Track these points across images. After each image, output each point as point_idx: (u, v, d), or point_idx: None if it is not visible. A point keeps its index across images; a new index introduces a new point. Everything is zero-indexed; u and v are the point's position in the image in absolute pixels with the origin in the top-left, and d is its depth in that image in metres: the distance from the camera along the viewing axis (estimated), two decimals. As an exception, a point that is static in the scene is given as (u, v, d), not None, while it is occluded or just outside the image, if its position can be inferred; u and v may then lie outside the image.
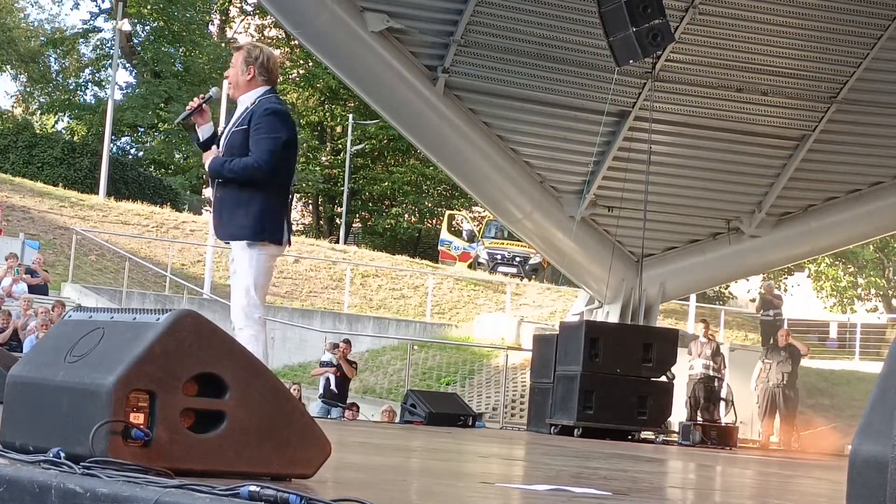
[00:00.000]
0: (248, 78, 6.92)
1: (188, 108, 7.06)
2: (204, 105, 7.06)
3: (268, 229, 6.81)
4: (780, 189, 19.15)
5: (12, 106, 55.96)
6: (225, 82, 7.49)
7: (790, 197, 19.37)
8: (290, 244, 7.07)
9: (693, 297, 28.99)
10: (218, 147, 6.99)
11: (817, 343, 28.58)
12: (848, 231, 20.01)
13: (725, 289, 40.79)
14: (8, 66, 51.49)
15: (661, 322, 21.41)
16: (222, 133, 7.07)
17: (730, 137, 18.69)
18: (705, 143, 18.73)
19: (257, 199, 6.79)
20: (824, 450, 17.51)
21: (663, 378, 16.22)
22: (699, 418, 17.82)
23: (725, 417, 18.88)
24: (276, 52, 7.23)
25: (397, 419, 18.07)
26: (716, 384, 18.68)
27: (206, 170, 6.96)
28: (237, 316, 6.84)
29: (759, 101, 18.44)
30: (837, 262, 38.92)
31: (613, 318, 18.94)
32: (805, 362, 20.58)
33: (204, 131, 7.04)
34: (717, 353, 18.81)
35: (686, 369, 18.35)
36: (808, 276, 40.23)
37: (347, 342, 20.60)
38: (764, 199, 19.24)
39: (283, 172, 6.89)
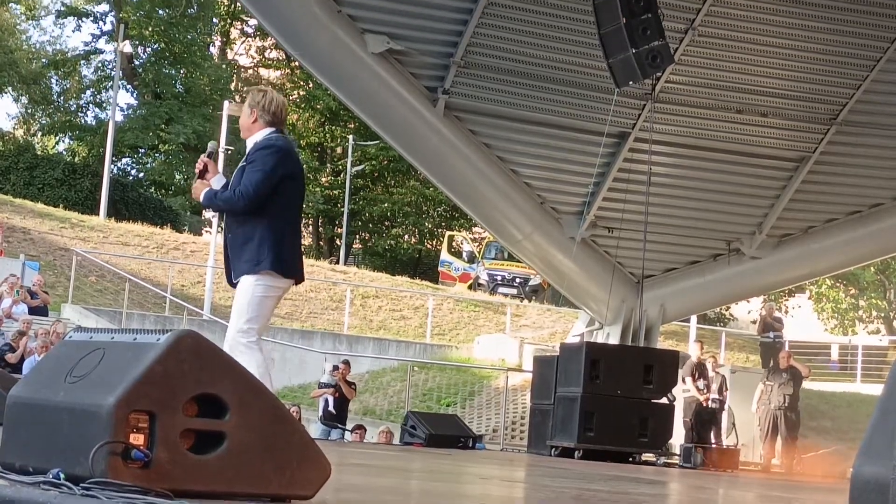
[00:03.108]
0: (251, 121, 7.24)
1: (196, 171, 7.36)
2: (207, 162, 7.35)
3: (266, 258, 6.94)
4: (780, 210, 19.15)
5: (14, 127, 56.04)
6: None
7: (790, 218, 19.36)
8: (300, 280, 7.18)
9: (694, 318, 28.95)
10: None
11: (818, 365, 28.52)
12: (848, 253, 19.99)
13: (726, 310, 40.76)
14: (9, 88, 51.56)
15: (662, 343, 21.38)
16: None
17: (730, 159, 18.70)
18: (705, 165, 18.74)
19: (258, 231, 6.99)
20: (826, 472, 17.47)
21: (664, 400, 16.18)
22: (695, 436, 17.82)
23: (727, 440, 18.86)
24: (282, 98, 7.41)
25: (395, 440, 18.03)
26: (710, 405, 18.70)
27: (199, 198, 7.23)
28: (229, 340, 6.92)
29: (758, 123, 18.45)
30: (838, 284, 38.92)
31: (614, 340, 18.91)
32: (806, 384, 20.56)
33: (215, 183, 7.27)
34: (703, 375, 18.83)
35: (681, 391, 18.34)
36: (809, 298, 40.21)
37: (346, 363, 20.57)
38: (764, 220, 19.24)
39: (283, 205, 7.09)
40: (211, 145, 7.71)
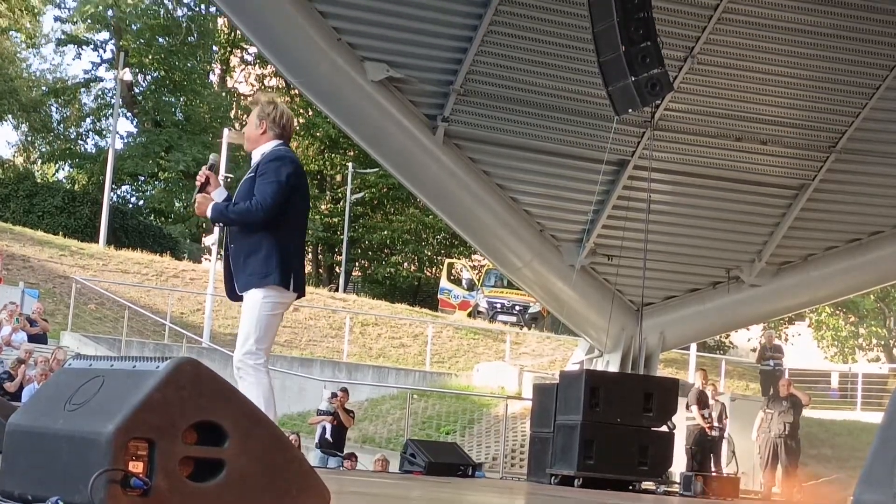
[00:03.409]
0: (259, 132, 7.09)
1: (197, 183, 7.18)
2: (209, 175, 7.16)
3: (273, 272, 6.81)
4: (779, 238, 19.16)
5: (14, 155, 56.08)
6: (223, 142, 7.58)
7: (790, 246, 19.38)
8: (302, 294, 7.04)
9: (693, 346, 28.91)
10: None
11: (819, 393, 28.47)
12: (848, 280, 20.00)
13: (726, 338, 40.70)
14: (10, 116, 51.63)
15: (662, 371, 21.37)
16: None
17: (729, 186, 18.73)
18: (705, 192, 18.76)
19: (264, 245, 6.84)
20: (827, 501, 17.41)
21: (664, 428, 16.14)
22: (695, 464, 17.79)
23: (727, 468, 18.80)
24: (290, 111, 7.32)
25: (392, 468, 17.97)
26: (714, 434, 18.68)
27: (208, 217, 7.00)
28: (236, 362, 6.82)
29: (758, 151, 18.49)
30: (838, 312, 38.87)
31: (613, 368, 18.89)
32: (807, 412, 20.50)
33: (217, 196, 7.13)
34: (706, 403, 18.82)
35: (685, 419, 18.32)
36: (809, 326, 40.16)
37: (345, 391, 20.53)
38: (764, 248, 19.26)
39: (291, 218, 6.97)
40: (212, 157, 7.53)
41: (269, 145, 7.05)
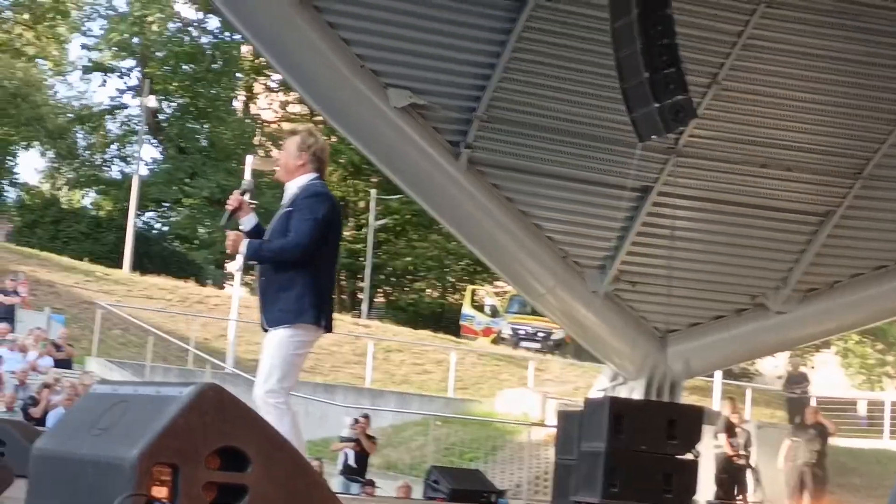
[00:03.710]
0: (299, 164, 7.01)
1: (228, 207, 7.12)
2: (242, 200, 7.10)
3: (306, 311, 6.74)
4: (805, 265, 19.04)
5: (40, 181, 56.44)
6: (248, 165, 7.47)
7: (816, 273, 19.25)
8: (330, 331, 6.94)
9: (718, 373, 28.78)
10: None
11: (846, 421, 28.28)
12: (875, 307, 19.86)
13: (751, 366, 40.53)
14: (36, 143, 51.98)
15: (686, 399, 21.24)
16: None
17: (754, 213, 18.64)
18: (729, 219, 18.68)
19: (297, 281, 6.76)
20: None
21: (689, 455, 16.05)
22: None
23: (753, 496, 18.69)
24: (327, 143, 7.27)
25: (415, 495, 17.93)
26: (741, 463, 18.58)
27: (243, 255, 6.94)
28: (257, 399, 6.70)
29: (783, 177, 18.41)
30: (865, 339, 38.67)
31: (638, 395, 18.80)
32: (834, 440, 20.38)
33: (246, 223, 7.07)
34: (733, 433, 18.72)
35: (711, 447, 18.21)
36: (836, 353, 39.97)
37: (366, 417, 20.51)
38: (789, 275, 19.14)
39: (324, 254, 6.88)
40: (246, 183, 7.42)
41: (305, 178, 6.98)
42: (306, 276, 6.77)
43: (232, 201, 7.09)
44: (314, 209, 6.81)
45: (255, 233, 7.10)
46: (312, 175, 7.01)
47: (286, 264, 6.76)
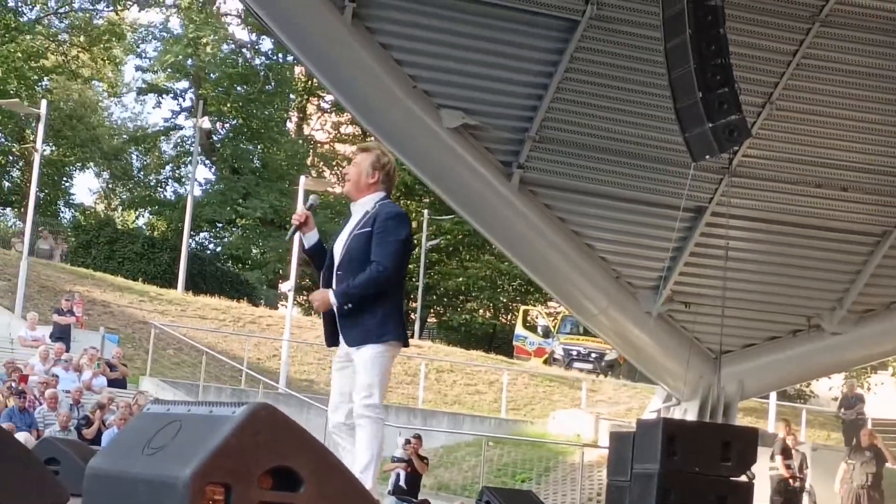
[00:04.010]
0: (371, 181, 7.01)
1: (294, 222, 7.08)
2: (309, 216, 7.09)
3: (392, 330, 6.82)
4: (861, 286, 18.84)
5: (95, 202, 57.00)
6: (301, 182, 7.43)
7: (872, 294, 19.05)
8: (407, 345, 7.02)
9: (773, 395, 28.56)
10: (330, 254, 7.00)
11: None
12: (932, 329, 19.63)
13: (806, 387, 40.17)
14: (92, 164, 52.51)
15: (741, 420, 21.09)
16: (335, 236, 7.09)
17: (809, 233, 18.48)
18: (784, 239, 18.54)
19: (381, 299, 6.79)
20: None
21: (743, 478, 15.90)
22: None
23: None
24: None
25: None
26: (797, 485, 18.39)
27: (336, 306, 6.77)
28: (357, 414, 6.76)
29: (838, 197, 18.25)
30: (922, 361, 38.23)
31: (691, 416, 18.67)
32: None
33: (309, 238, 7.06)
34: (789, 455, 18.55)
35: (766, 469, 18.06)
36: (893, 375, 39.54)
37: (418, 437, 20.50)
38: (845, 295, 18.95)
39: (404, 273, 6.98)
40: (312, 199, 7.44)
41: (376, 196, 6.99)
42: (388, 296, 6.83)
43: (298, 217, 7.07)
44: (397, 231, 6.84)
45: (317, 250, 7.10)
46: (382, 194, 7.02)
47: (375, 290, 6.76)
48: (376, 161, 7.03)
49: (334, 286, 6.90)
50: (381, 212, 6.89)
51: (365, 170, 7.02)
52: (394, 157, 7.20)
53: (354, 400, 6.81)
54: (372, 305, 6.76)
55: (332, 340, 7.02)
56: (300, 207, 7.38)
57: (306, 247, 7.12)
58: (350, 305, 6.71)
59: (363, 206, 7.00)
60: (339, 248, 6.96)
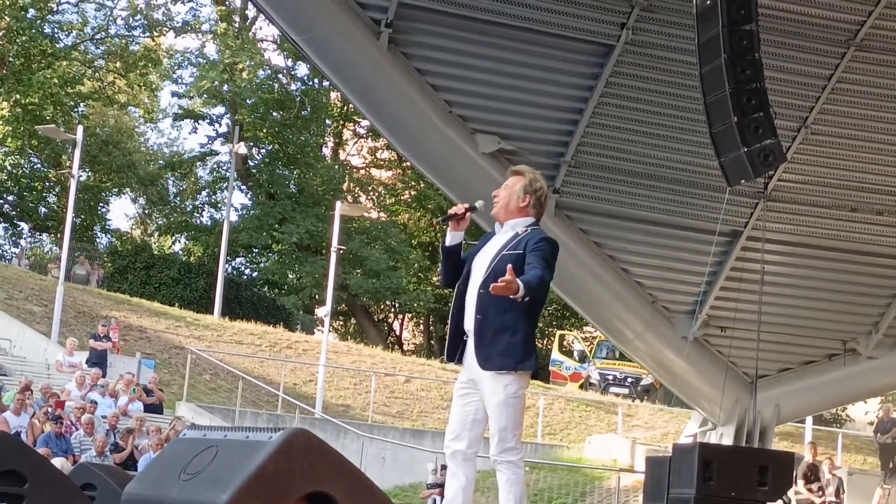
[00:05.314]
0: (522, 204, 6.90)
1: (452, 211, 6.96)
2: (467, 214, 6.95)
3: (531, 359, 6.64)
4: (897, 310, 18.76)
5: (131, 228, 57.30)
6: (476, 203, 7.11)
7: (909, 318, 18.96)
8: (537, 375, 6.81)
9: (809, 419, 28.38)
10: (468, 271, 6.83)
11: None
12: (969, 352, 19.48)
13: (842, 411, 39.88)
14: (128, 189, 52.80)
15: (777, 445, 20.98)
16: (475, 252, 6.93)
17: (844, 258, 18.41)
18: (819, 264, 18.47)
19: (522, 324, 6.63)
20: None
21: (779, 502, 15.82)
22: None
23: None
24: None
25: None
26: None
27: (524, 292, 6.35)
28: (495, 461, 6.58)
29: (874, 221, 18.17)
30: (959, 385, 37.87)
31: (727, 441, 18.59)
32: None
33: (455, 237, 6.92)
34: (816, 477, 18.43)
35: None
36: (929, 399, 39.22)
37: (454, 463, 20.46)
38: (881, 319, 18.86)
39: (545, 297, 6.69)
40: (480, 203, 7.14)
41: (527, 220, 6.86)
42: (529, 321, 6.66)
43: (458, 208, 6.93)
44: (552, 252, 6.65)
45: (455, 251, 6.94)
46: (531, 219, 6.88)
47: (509, 301, 6.43)
48: (528, 185, 6.92)
49: (473, 304, 6.69)
50: (535, 235, 6.71)
51: (517, 193, 6.93)
52: (546, 185, 7.01)
53: (490, 444, 6.60)
54: (511, 329, 6.55)
55: (452, 354, 6.83)
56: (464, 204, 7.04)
57: (447, 243, 6.93)
58: (528, 299, 6.37)
59: (513, 228, 6.86)
60: (481, 267, 6.78)
